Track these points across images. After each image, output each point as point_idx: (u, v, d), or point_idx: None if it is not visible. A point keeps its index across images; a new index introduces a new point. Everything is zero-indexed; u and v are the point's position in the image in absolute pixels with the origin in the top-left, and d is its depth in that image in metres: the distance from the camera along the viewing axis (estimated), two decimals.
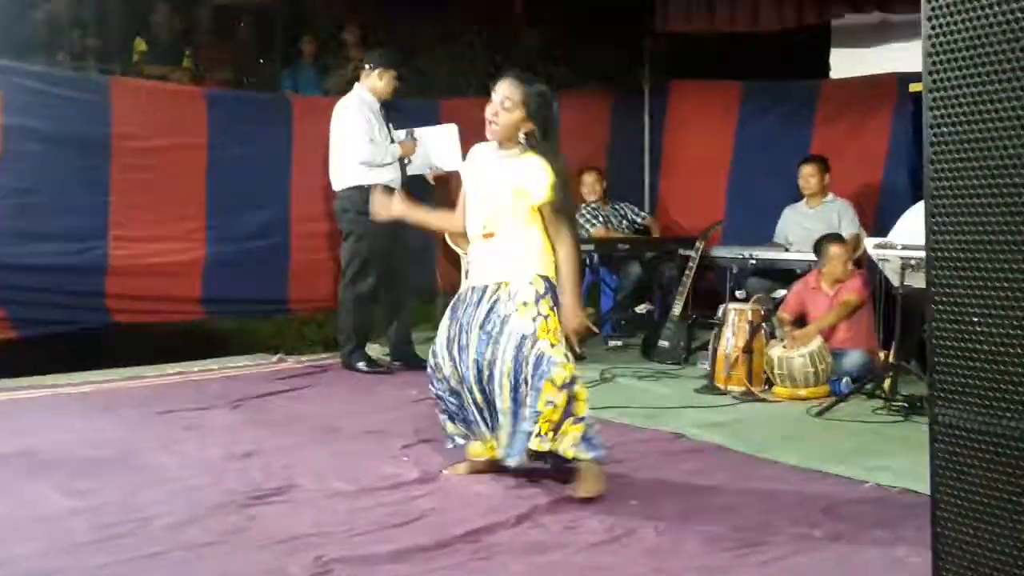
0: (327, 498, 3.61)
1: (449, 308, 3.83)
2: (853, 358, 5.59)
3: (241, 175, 6.58)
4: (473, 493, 3.66)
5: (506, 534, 3.24)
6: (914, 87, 6.24)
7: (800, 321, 5.88)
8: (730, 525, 3.32)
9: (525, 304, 3.60)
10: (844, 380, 5.35)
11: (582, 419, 3.60)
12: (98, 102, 6.12)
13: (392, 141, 6.10)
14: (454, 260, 7.15)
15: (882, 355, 5.56)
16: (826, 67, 8.51)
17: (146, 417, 4.87)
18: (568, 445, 3.56)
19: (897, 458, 4.04)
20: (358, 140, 5.93)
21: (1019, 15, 1.78)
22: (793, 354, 5.43)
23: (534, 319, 3.57)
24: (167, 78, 7.54)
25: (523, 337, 3.55)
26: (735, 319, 5.66)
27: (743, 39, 7.63)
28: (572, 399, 3.57)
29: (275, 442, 4.40)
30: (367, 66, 6.09)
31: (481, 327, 3.64)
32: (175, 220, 6.40)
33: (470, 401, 3.72)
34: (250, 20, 8.86)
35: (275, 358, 6.46)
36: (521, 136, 3.69)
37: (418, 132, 6.34)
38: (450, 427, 3.87)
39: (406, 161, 6.23)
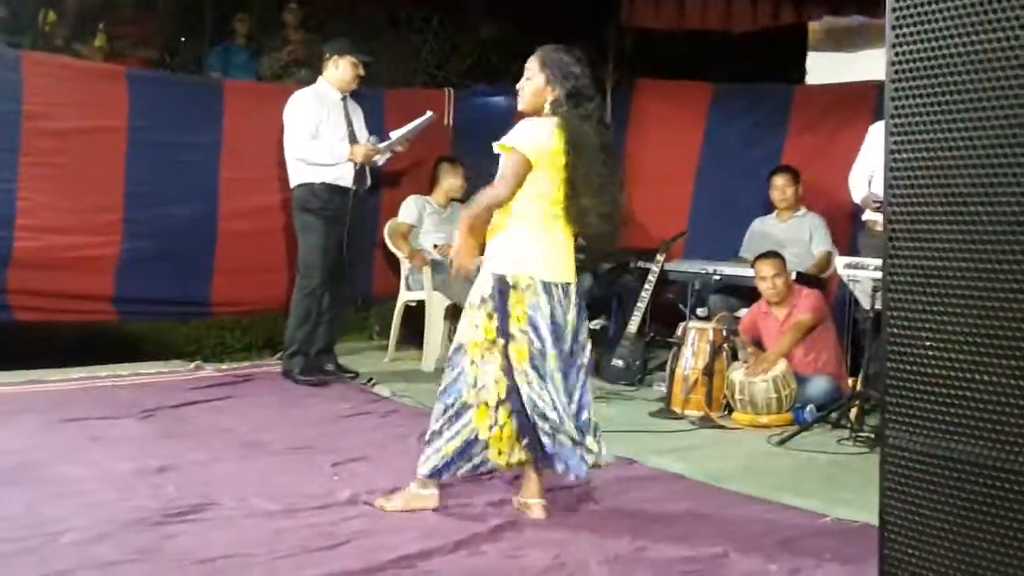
0: (247, 517, 3.66)
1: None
2: (819, 385, 5.67)
3: (164, 164, 6.54)
4: (408, 516, 3.73)
5: (442, 561, 3.30)
6: None
7: (756, 347, 5.98)
8: (683, 557, 3.43)
9: None
10: (808, 408, 5.47)
11: None
12: (8, 78, 6.03)
13: (352, 137, 6.18)
14: (393, 264, 7.21)
15: (850, 382, 5.68)
16: (802, 72, 8.71)
17: (49, 425, 4.88)
18: None
19: (860, 491, 4.11)
20: (295, 135, 6.08)
21: (979, 42, 1.93)
22: (756, 379, 5.54)
23: None
24: (81, 55, 7.51)
25: None
26: (695, 339, 5.80)
27: (714, 38, 7.77)
28: None
29: (191, 456, 4.44)
30: (325, 55, 6.25)
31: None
32: (89, 211, 6.33)
33: None
34: None
35: (192, 365, 6.48)
36: (547, 106, 3.79)
37: (393, 135, 6.40)
38: None
39: (377, 161, 6.34)
